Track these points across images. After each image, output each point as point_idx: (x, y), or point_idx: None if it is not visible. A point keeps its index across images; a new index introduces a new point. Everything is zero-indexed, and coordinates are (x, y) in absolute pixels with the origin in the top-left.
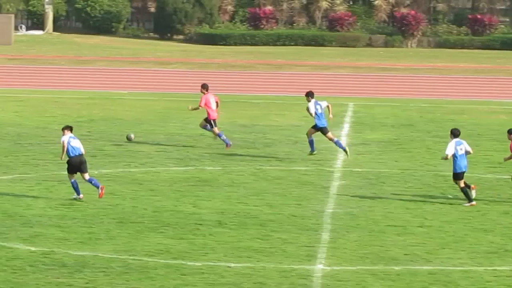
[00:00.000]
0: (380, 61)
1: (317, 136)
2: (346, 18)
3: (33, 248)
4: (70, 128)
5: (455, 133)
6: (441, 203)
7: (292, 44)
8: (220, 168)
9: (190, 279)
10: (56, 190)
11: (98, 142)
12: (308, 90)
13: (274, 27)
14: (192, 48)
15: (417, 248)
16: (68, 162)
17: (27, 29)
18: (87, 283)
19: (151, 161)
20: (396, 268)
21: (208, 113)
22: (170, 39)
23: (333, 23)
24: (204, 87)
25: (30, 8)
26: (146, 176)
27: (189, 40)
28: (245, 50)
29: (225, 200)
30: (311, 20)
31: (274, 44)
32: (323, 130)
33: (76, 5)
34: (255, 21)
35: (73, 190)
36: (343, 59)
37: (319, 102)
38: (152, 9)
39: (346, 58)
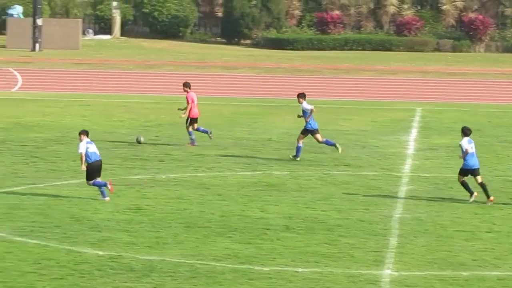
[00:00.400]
0: (447, 66)
1: (382, 141)
2: (413, 22)
3: (101, 252)
4: (86, 133)
5: (466, 132)
6: (510, 208)
7: (360, 48)
8: (287, 172)
9: (258, 284)
10: (123, 194)
11: (165, 147)
12: (300, 92)
13: (342, 32)
14: (259, 52)
15: (486, 254)
16: (88, 168)
17: (95, 33)
18: (154, 287)
19: (219, 166)
20: (465, 273)
21: (191, 111)
22: (237, 43)
23: (401, 27)
24: (187, 85)
25: (97, 12)
26: (213, 181)
27: (256, 44)
28: (312, 55)
29: (292, 205)
30: (379, 25)
31: (341, 48)
32: (313, 132)
33: (144, 10)
34: (322, 25)
35: (99, 193)
36: (411, 64)
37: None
38: (219, 14)
39: (414, 63)
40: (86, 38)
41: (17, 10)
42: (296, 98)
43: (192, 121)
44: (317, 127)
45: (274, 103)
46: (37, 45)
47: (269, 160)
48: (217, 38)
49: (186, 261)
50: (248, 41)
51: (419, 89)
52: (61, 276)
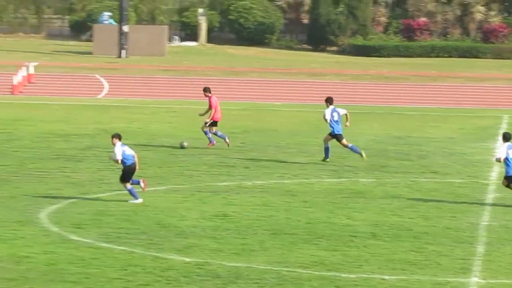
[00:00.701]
0: None
1: (469, 149)
2: (500, 29)
3: (187, 259)
4: (119, 137)
5: (506, 137)
6: None
7: (446, 55)
8: (374, 180)
9: None
10: (210, 201)
11: (251, 153)
12: (327, 96)
13: (428, 39)
14: (346, 59)
15: None
16: (124, 171)
17: (181, 40)
18: None
19: (305, 173)
20: None
21: (214, 115)
22: (323, 50)
23: (487, 34)
24: (207, 90)
25: (183, 19)
26: (299, 188)
27: (342, 51)
28: (399, 62)
29: (379, 212)
30: (465, 32)
31: (428, 55)
32: (338, 137)
33: (230, 17)
34: (408, 32)
35: (132, 197)
36: (499, 71)
37: (336, 109)
38: (305, 21)
39: (501, 70)
40: (172, 44)
41: (106, 17)
42: (325, 102)
43: (212, 123)
44: (341, 132)
45: (361, 110)
46: (123, 52)
47: (355, 167)
48: (303, 45)
49: (272, 268)
50: (334, 48)
51: (506, 97)
52: (147, 282)
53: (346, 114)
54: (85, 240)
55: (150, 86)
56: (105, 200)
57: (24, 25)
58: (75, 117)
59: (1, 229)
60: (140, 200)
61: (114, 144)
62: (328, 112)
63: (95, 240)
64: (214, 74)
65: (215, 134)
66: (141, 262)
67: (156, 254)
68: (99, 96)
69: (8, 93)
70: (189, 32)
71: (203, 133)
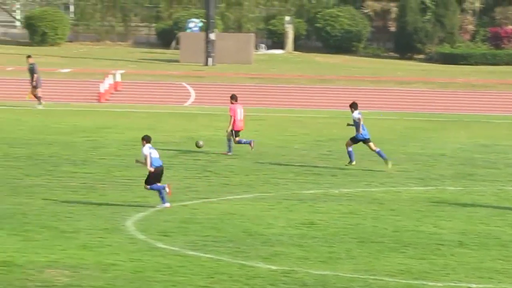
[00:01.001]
0: None
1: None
2: None
3: (273, 267)
4: (149, 139)
5: None
6: None
7: None
8: (461, 188)
9: None
10: (296, 209)
11: (338, 162)
12: (353, 101)
13: None
14: (433, 67)
15: None
16: (150, 173)
17: (267, 48)
18: None
19: (392, 181)
20: None
21: (234, 123)
22: (410, 58)
23: None
24: (233, 97)
25: (270, 27)
26: (386, 196)
27: (429, 59)
28: (486, 70)
29: (466, 220)
30: None
31: None
32: (366, 141)
33: (317, 25)
34: (496, 40)
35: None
36: None
37: (361, 114)
38: (392, 29)
39: None
40: (258, 52)
41: (193, 24)
42: (349, 107)
43: (235, 133)
44: (368, 136)
45: (448, 118)
46: (209, 60)
47: (442, 175)
48: (390, 53)
49: (359, 276)
50: (421, 56)
51: None
52: None
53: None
54: (172, 248)
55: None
56: (191, 208)
57: (111, 33)
58: (162, 125)
59: (88, 237)
60: (167, 205)
61: (143, 145)
62: (359, 116)
63: (181, 247)
64: (300, 82)
65: (239, 142)
66: (227, 270)
67: (243, 262)
68: (186, 104)
69: (95, 101)
70: (275, 40)
71: (226, 140)
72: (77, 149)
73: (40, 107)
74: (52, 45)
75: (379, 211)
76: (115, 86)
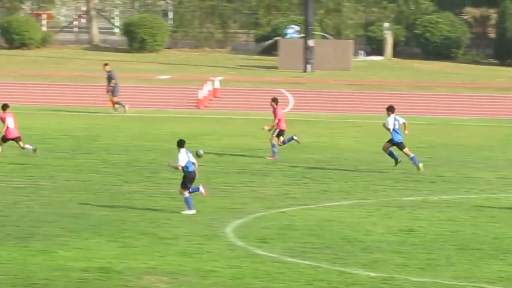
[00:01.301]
0: None
1: None
2: None
3: (372, 274)
4: (183, 144)
5: None
6: None
7: None
8: None
9: None
10: (396, 216)
11: (438, 168)
12: (389, 105)
13: None
14: None
15: None
16: (185, 177)
17: (366, 54)
18: None
19: (491, 188)
20: None
21: (279, 124)
22: (510, 65)
23: None
24: (275, 100)
25: (369, 34)
26: (486, 203)
27: None
28: None
29: None
30: None
31: None
32: (400, 145)
33: (416, 31)
34: None
35: (185, 206)
36: None
37: (397, 118)
38: (492, 35)
39: None
40: (357, 59)
41: (292, 31)
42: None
43: (280, 132)
44: (402, 140)
45: None
46: (308, 66)
47: None
48: (490, 59)
49: (459, 283)
50: None
51: None
52: None
53: (404, 123)
54: (270, 255)
55: (335, 101)
56: (290, 215)
57: (210, 39)
58: (260, 131)
59: (187, 244)
60: (193, 211)
61: (179, 151)
62: (390, 121)
63: (280, 254)
64: (400, 89)
65: (283, 143)
66: (326, 277)
67: (341, 269)
68: (285, 111)
69: (194, 107)
70: (374, 46)
71: (271, 146)
72: (176, 155)
73: (116, 113)
74: (150, 51)
75: (478, 218)
76: (214, 92)
